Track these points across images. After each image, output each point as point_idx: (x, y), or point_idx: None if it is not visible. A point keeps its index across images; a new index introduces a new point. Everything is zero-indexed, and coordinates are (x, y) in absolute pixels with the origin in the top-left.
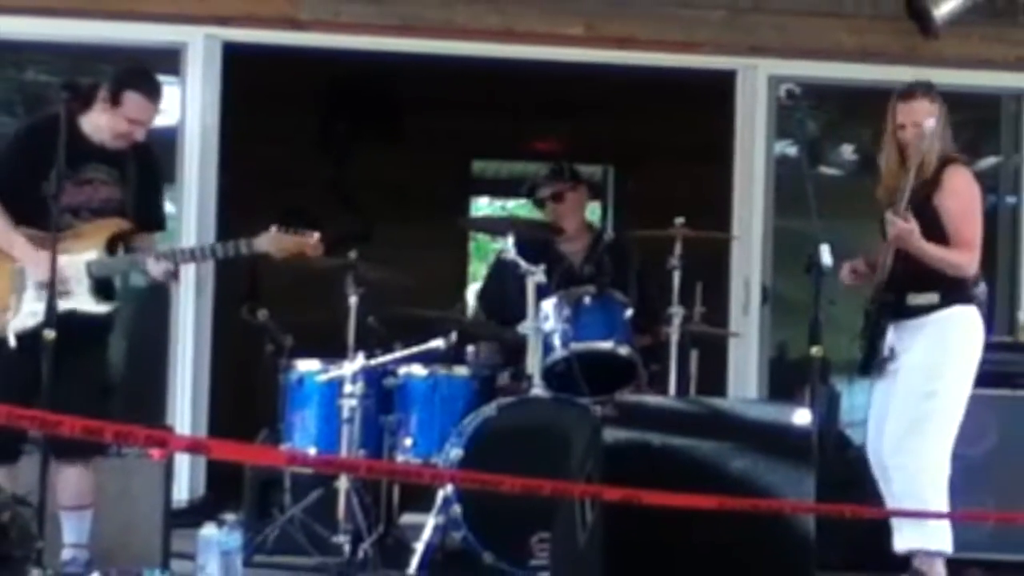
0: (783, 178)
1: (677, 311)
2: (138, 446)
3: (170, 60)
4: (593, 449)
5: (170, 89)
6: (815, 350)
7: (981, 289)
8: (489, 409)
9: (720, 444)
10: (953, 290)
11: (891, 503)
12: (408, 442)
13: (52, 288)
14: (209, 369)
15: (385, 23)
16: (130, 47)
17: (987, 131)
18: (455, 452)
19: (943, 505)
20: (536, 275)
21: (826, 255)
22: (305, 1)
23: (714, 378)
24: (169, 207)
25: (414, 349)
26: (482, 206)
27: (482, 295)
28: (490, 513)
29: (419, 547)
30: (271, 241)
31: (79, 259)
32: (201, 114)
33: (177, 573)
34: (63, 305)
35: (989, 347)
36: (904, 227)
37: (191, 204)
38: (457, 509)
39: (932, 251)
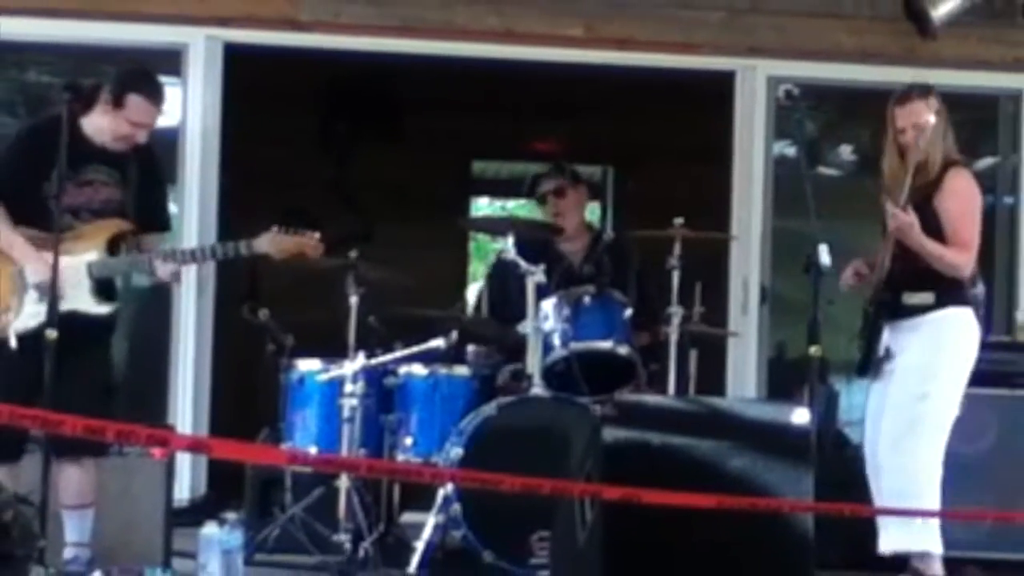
0: (782, 178)
1: (676, 311)
2: (140, 445)
3: (171, 61)
4: (593, 448)
5: (171, 90)
6: (813, 350)
7: (979, 290)
8: (489, 408)
9: (719, 443)
10: (949, 291)
11: (880, 502)
12: (408, 441)
13: (54, 288)
14: (210, 369)
15: (385, 24)
16: (131, 48)
17: (985, 132)
18: (455, 451)
19: (935, 505)
20: (536, 275)
21: (825, 255)
22: (305, 2)
23: (713, 378)
24: (171, 207)
25: (414, 349)
26: (482, 206)
27: (482, 295)
28: (490, 512)
29: (419, 546)
30: (271, 242)
31: (80, 260)
32: (202, 115)
33: (178, 572)
34: (64, 306)
35: (987, 347)
36: (904, 219)
37: (192, 204)
38: (457, 508)
39: (930, 247)
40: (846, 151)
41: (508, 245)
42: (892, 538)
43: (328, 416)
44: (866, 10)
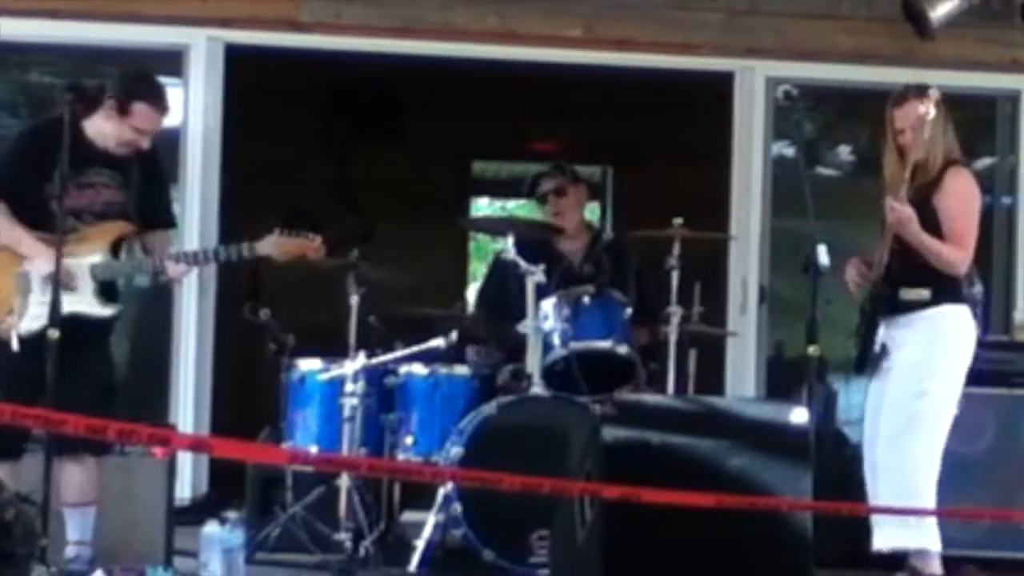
0: (780, 179)
1: (675, 311)
2: (141, 444)
3: (173, 62)
4: (592, 447)
5: (173, 91)
6: (812, 349)
7: (976, 289)
8: (489, 408)
9: (718, 442)
10: (945, 288)
11: (876, 501)
12: (409, 440)
13: (56, 287)
14: (212, 368)
15: (386, 25)
16: (133, 49)
17: (982, 132)
18: (455, 450)
19: (932, 502)
20: (536, 275)
21: (823, 255)
22: (306, 3)
23: (712, 377)
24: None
25: (415, 348)
26: (482, 206)
27: (482, 295)
28: (490, 511)
29: (420, 544)
30: (273, 244)
31: (83, 262)
32: (203, 115)
33: (180, 570)
34: (67, 308)
35: (985, 346)
36: (903, 211)
37: (194, 205)
38: (457, 507)
39: (928, 242)
40: (844, 151)
41: (508, 245)
42: (889, 535)
43: (329, 415)
44: (864, 11)
